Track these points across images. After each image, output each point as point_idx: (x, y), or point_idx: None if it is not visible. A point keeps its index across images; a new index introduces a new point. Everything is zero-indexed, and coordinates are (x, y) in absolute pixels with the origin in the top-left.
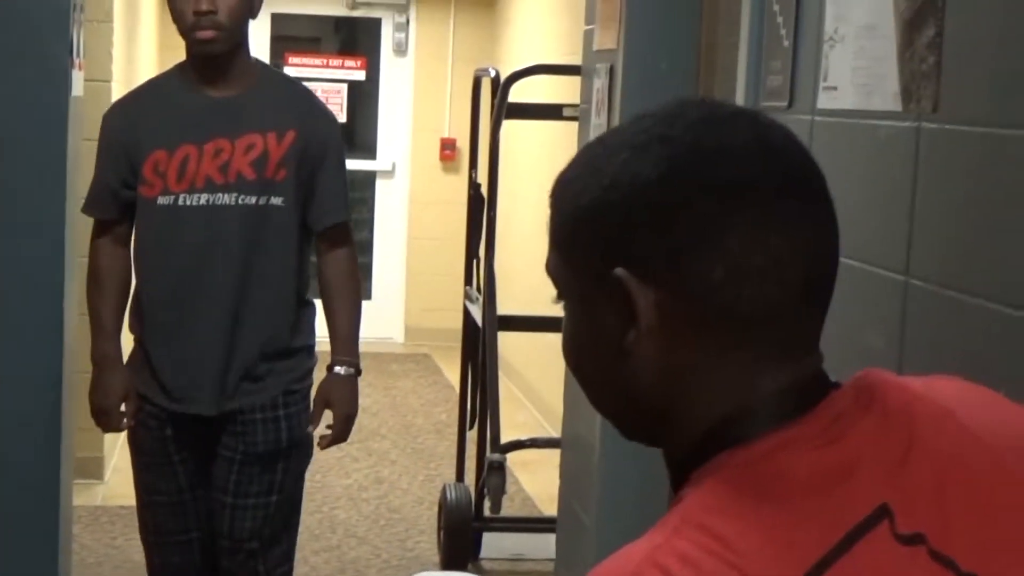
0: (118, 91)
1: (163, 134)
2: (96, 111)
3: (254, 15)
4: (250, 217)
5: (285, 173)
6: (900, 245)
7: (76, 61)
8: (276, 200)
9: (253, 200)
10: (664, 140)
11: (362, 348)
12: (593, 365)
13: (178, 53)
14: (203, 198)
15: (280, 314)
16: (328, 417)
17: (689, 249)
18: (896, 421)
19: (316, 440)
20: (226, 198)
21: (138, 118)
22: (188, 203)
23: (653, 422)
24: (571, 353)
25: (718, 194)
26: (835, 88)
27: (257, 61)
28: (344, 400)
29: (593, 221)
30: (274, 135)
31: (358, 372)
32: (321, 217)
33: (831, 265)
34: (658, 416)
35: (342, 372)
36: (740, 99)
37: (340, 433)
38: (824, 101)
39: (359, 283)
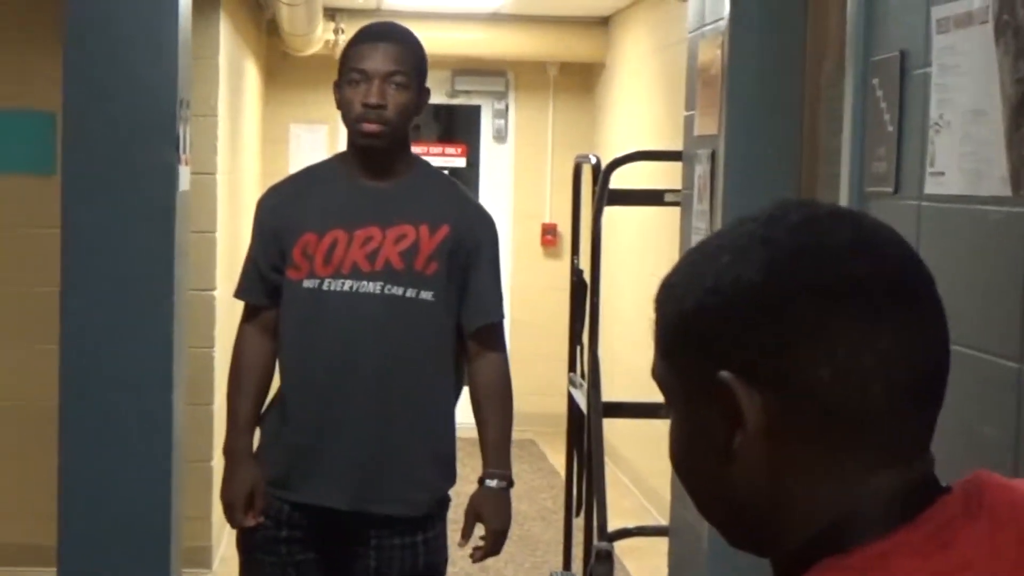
0: (223, 184)
1: (314, 218)
2: (201, 204)
3: (419, 113)
4: (396, 308)
5: (436, 267)
6: (1013, 331)
7: (183, 157)
8: (426, 294)
9: (400, 291)
10: (766, 242)
11: (464, 433)
12: (699, 470)
13: (279, 147)
14: (347, 284)
15: (431, 414)
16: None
17: (794, 351)
18: (1006, 523)
19: (469, 553)
20: (371, 286)
21: (291, 201)
22: (332, 288)
23: (759, 528)
24: (678, 458)
25: (822, 295)
26: (942, 173)
27: (416, 156)
28: (497, 515)
29: (697, 325)
30: (427, 227)
31: (510, 484)
32: (473, 317)
33: (941, 365)
34: (764, 521)
35: (494, 485)
36: (844, 185)
37: (492, 548)
38: (931, 187)
39: (511, 389)
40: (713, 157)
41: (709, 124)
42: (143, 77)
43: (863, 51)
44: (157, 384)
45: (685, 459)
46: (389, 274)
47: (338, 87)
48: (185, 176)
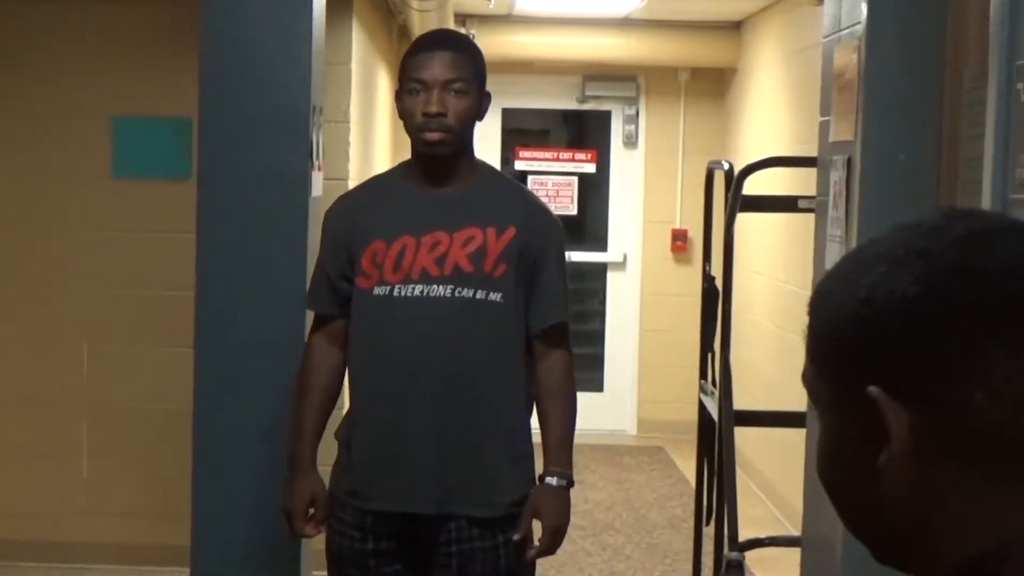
0: None
1: (382, 225)
2: None
3: (480, 117)
4: (466, 310)
5: (504, 269)
6: None
7: (315, 162)
8: (495, 296)
9: (470, 294)
10: (924, 254)
11: (593, 440)
12: (843, 483)
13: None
14: (417, 289)
15: (506, 414)
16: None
17: (947, 371)
18: None
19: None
20: (441, 290)
21: (359, 210)
22: (402, 294)
23: (906, 548)
24: (823, 469)
25: (980, 316)
26: None
27: (480, 161)
28: (555, 512)
29: (847, 337)
30: (494, 230)
31: (570, 484)
32: (540, 317)
33: None
34: (911, 542)
35: (554, 483)
36: (987, 192)
37: (549, 546)
38: None
39: (575, 388)
40: (849, 163)
41: (845, 130)
42: (277, 84)
43: (1007, 54)
44: (289, 388)
45: (830, 471)
46: (458, 277)
47: (399, 97)
48: (318, 182)
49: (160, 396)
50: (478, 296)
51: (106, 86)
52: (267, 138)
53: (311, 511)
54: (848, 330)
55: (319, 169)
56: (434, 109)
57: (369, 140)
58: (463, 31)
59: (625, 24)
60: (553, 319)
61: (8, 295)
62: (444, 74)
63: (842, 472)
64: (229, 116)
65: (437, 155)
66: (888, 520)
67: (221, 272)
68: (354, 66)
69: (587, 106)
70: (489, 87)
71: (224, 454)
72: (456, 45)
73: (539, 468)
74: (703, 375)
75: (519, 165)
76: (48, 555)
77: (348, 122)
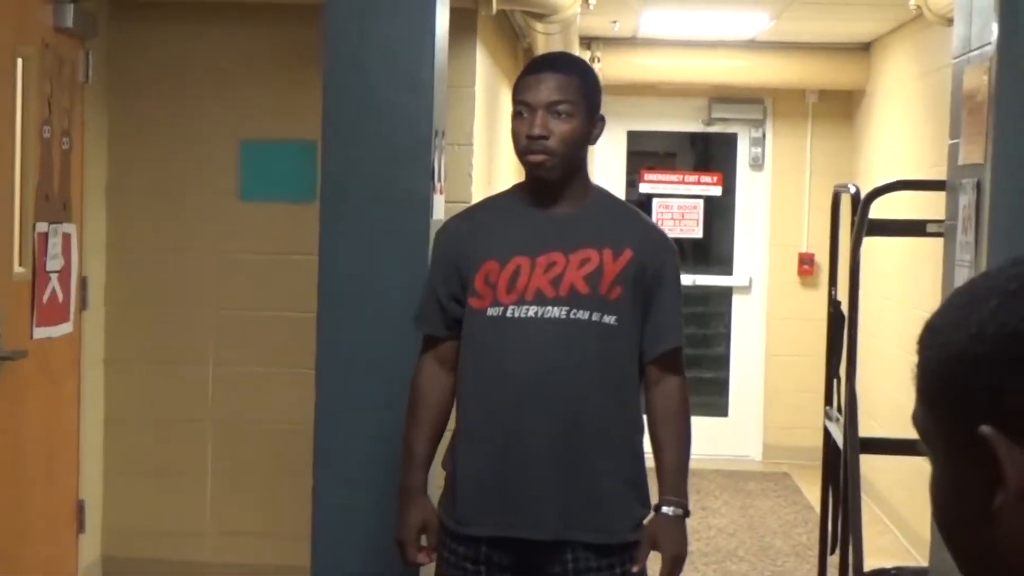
0: None
1: (495, 245)
2: None
3: (592, 142)
4: (580, 333)
5: (620, 291)
6: None
7: (437, 185)
8: (609, 319)
9: (585, 316)
10: None
11: (717, 466)
12: (957, 527)
13: None
14: (532, 310)
15: (620, 439)
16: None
17: None
18: None
19: None
20: (556, 311)
21: (471, 231)
22: (516, 315)
23: None
24: (936, 510)
25: None
26: None
27: (594, 184)
28: (673, 542)
29: (958, 374)
30: (610, 251)
31: (687, 513)
32: (656, 342)
33: None
34: None
35: (670, 513)
36: None
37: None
38: None
39: (690, 415)
40: (979, 187)
41: (975, 153)
42: (399, 107)
43: None
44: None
45: (944, 514)
46: (574, 299)
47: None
48: (439, 205)
49: (283, 417)
50: (593, 318)
51: (236, 109)
52: (389, 161)
53: (423, 538)
54: (958, 366)
55: (440, 192)
56: (536, 132)
57: (493, 163)
58: (587, 54)
59: (752, 46)
60: (669, 344)
61: (138, 315)
62: (549, 96)
63: (956, 516)
64: (351, 139)
65: (541, 178)
66: (1005, 566)
67: (342, 294)
68: (478, 89)
69: (713, 128)
70: (614, 110)
71: (344, 476)
72: (564, 67)
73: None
74: (828, 401)
75: (644, 188)
76: (173, 574)
77: (471, 145)
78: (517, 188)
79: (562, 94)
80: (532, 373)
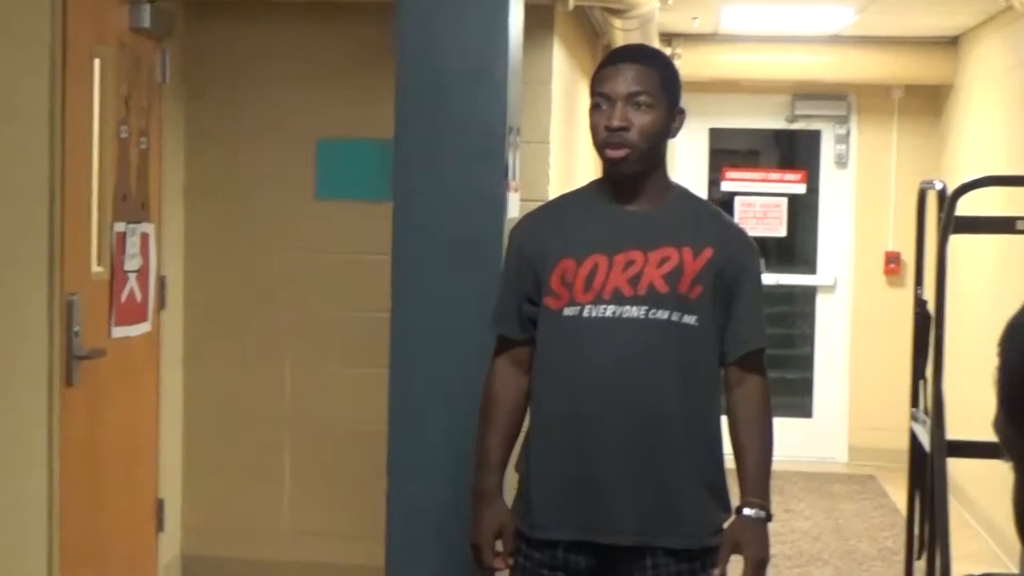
0: None
1: (572, 244)
2: None
3: (672, 135)
4: (660, 333)
5: (701, 291)
6: None
7: (511, 183)
8: (689, 319)
9: (665, 315)
10: None
11: (802, 468)
12: None
13: None
14: (610, 310)
15: (700, 441)
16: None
17: None
18: None
19: None
20: (634, 311)
21: (547, 229)
22: (594, 315)
23: None
24: (1017, 518)
25: None
26: None
27: (674, 182)
28: (756, 545)
29: None
30: (690, 250)
31: (769, 516)
32: (737, 343)
33: None
34: None
35: (752, 515)
36: None
37: None
38: None
39: (771, 417)
40: None
41: None
42: (472, 105)
43: None
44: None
45: None
46: (653, 298)
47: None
48: (513, 203)
49: (361, 417)
50: (672, 318)
51: (312, 108)
52: (462, 159)
53: (499, 543)
54: None
55: (515, 190)
56: (615, 123)
57: (572, 162)
58: (668, 51)
59: (836, 41)
60: (752, 345)
61: (216, 314)
62: (627, 87)
63: None
64: (424, 137)
65: (620, 173)
66: None
67: (415, 293)
68: (555, 86)
69: (796, 125)
70: (695, 107)
71: (418, 477)
72: (642, 58)
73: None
74: (914, 403)
75: (726, 186)
76: (251, 572)
77: (548, 143)
78: (595, 184)
79: (641, 85)
80: (609, 374)
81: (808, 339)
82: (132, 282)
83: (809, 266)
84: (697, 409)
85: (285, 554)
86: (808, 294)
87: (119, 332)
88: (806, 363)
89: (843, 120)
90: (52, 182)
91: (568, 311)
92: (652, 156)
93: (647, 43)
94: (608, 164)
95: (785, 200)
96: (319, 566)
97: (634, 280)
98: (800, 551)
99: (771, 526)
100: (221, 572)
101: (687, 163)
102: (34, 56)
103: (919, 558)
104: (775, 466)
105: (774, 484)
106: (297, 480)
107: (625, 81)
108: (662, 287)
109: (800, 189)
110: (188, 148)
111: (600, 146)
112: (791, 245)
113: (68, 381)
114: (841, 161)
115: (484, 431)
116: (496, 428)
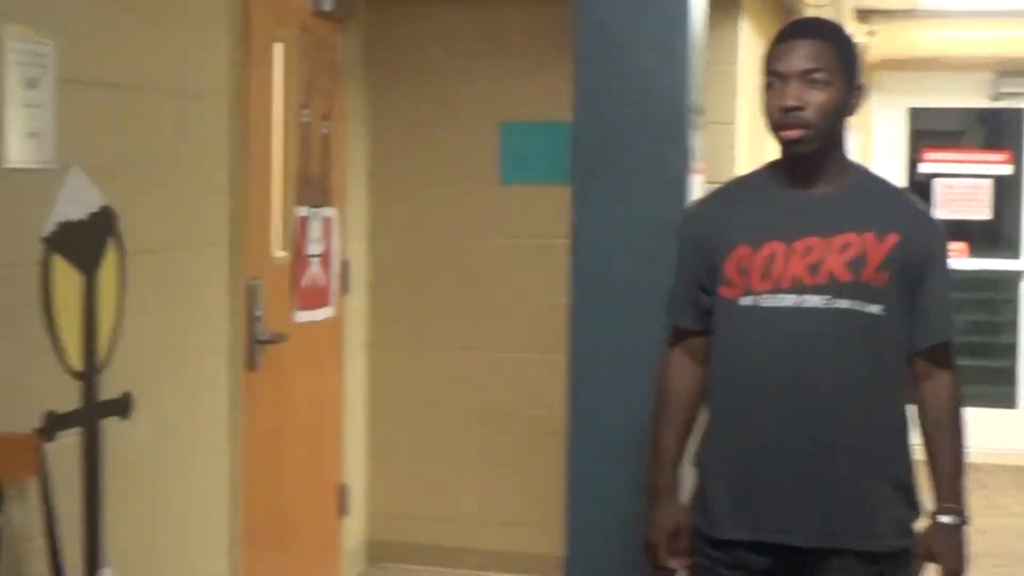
0: None
1: (747, 230)
2: None
3: (850, 112)
4: (843, 323)
5: (886, 278)
6: None
7: (694, 165)
8: (874, 308)
9: (847, 305)
10: None
11: (1006, 460)
12: None
13: None
14: (789, 299)
15: (886, 437)
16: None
17: None
18: None
19: None
20: (815, 300)
21: (720, 214)
22: (772, 304)
23: None
24: None
25: None
26: None
27: (853, 162)
28: (952, 554)
29: None
30: (872, 235)
31: (965, 521)
32: (926, 334)
33: None
34: None
35: (948, 522)
36: None
37: None
38: None
39: (963, 413)
40: None
41: None
42: (652, 85)
43: None
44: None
45: None
46: (835, 286)
47: (762, 93)
48: (696, 185)
49: (541, 403)
50: (856, 307)
51: (495, 91)
52: (642, 141)
53: (674, 541)
54: None
55: (698, 172)
56: (789, 103)
57: (759, 143)
58: (864, 28)
59: None
60: (940, 337)
61: (400, 299)
62: (801, 64)
63: None
64: (603, 118)
65: (796, 154)
66: None
67: (595, 277)
68: (741, 66)
69: (1001, 103)
70: (893, 86)
71: (598, 466)
72: (817, 33)
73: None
74: None
75: (924, 168)
76: (435, 558)
77: (732, 124)
78: (770, 167)
79: (816, 61)
80: (790, 366)
81: (1011, 327)
82: (315, 266)
83: (1013, 251)
84: (882, 403)
85: (468, 541)
86: (1012, 280)
87: (302, 316)
88: (1009, 351)
89: None
90: (233, 166)
91: (744, 300)
92: (829, 136)
93: (840, 19)
94: (783, 145)
95: (990, 182)
96: (501, 554)
97: (814, 268)
98: (1007, 550)
99: (974, 522)
100: (405, 557)
101: (885, 144)
102: (216, 40)
103: None
104: (977, 459)
105: (976, 478)
106: (479, 466)
107: (799, 57)
108: (844, 275)
109: (1006, 170)
110: (371, 131)
111: (774, 127)
112: (996, 229)
113: (251, 365)
114: None
115: (658, 425)
116: (671, 422)
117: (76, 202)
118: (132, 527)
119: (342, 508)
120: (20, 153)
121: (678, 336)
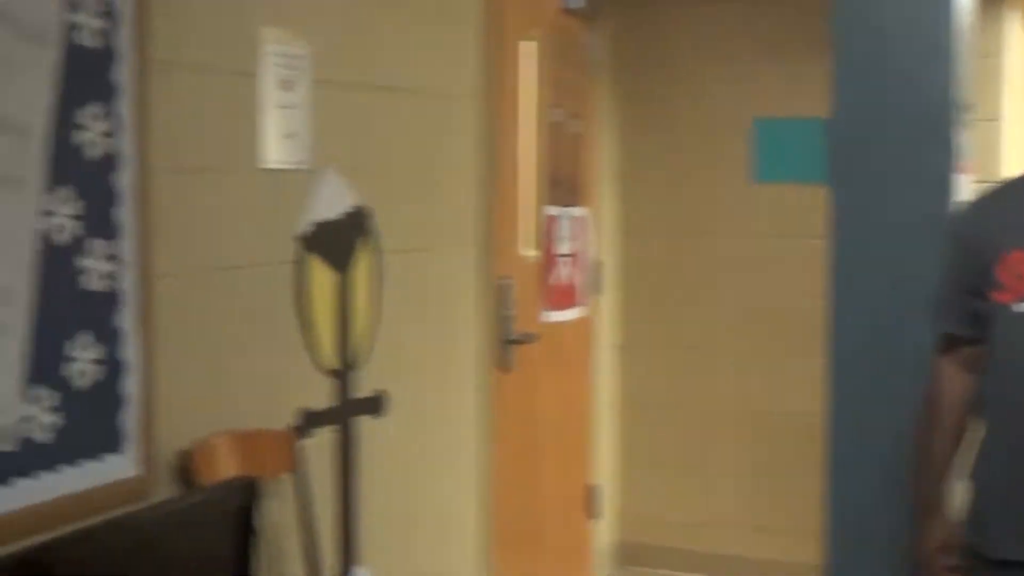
0: None
1: (1021, 233)
2: None
3: None
4: None
5: None
6: None
7: (959, 164)
8: None
9: None
10: None
11: None
12: None
13: None
14: None
15: None
16: None
17: None
18: None
19: None
20: None
21: (994, 215)
22: None
23: None
24: None
25: None
26: None
27: None
28: None
29: None
30: None
31: None
32: None
33: None
34: None
35: None
36: None
37: None
38: None
39: None
40: None
41: None
42: (914, 80)
43: None
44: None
45: None
46: None
47: None
48: (962, 185)
49: (797, 408)
50: None
51: (747, 87)
52: (904, 137)
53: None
54: None
55: (964, 171)
56: None
57: None
58: None
59: None
60: None
61: (652, 300)
62: None
63: None
64: (861, 114)
65: None
66: None
67: (855, 281)
68: (1006, 59)
69: None
70: None
71: (858, 475)
72: None
73: None
74: None
75: None
76: (686, 563)
77: (999, 120)
78: None
79: None
80: None
81: None
82: (564, 266)
83: None
84: None
85: (719, 546)
86: None
87: (551, 317)
88: None
89: None
90: (485, 165)
91: (1018, 307)
92: None
93: None
94: None
95: None
96: (752, 561)
97: None
98: None
99: None
100: (656, 561)
101: None
102: (468, 40)
103: None
104: None
105: None
106: (732, 470)
107: None
108: None
109: None
110: (620, 130)
111: None
112: None
113: (501, 365)
114: None
115: (928, 435)
116: (941, 433)
117: (331, 202)
118: (384, 526)
119: (592, 510)
120: (277, 154)
121: (949, 344)
